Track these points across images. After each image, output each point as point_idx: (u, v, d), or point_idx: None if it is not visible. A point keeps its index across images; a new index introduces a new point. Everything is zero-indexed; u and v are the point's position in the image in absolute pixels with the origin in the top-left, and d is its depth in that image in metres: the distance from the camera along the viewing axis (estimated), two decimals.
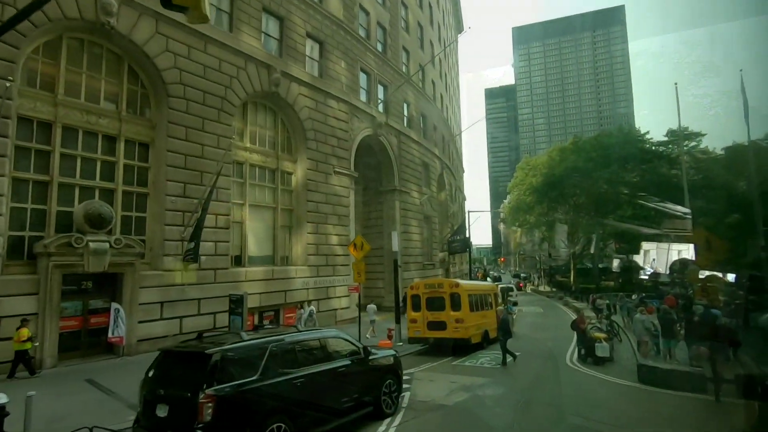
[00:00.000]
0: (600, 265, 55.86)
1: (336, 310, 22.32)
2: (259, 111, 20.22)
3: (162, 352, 5.85)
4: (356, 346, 7.48)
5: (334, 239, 22.68)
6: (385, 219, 29.59)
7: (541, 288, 58.50)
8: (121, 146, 14.60)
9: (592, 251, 50.16)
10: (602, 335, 12.52)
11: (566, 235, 49.75)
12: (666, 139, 41.42)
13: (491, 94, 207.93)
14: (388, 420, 7.48)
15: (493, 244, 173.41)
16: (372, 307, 19.31)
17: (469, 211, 37.31)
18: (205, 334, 6.31)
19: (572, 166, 45.06)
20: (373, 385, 7.53)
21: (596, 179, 41.04)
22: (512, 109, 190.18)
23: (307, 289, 20.57)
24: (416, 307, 14.84)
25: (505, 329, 12.68)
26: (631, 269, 43.65)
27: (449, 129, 45.00)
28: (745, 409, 8.32)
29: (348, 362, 7.20)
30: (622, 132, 43.06)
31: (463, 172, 66.55)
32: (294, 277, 20.01)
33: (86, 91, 13.98)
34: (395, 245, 17.10)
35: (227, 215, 17.11)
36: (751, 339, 12.79)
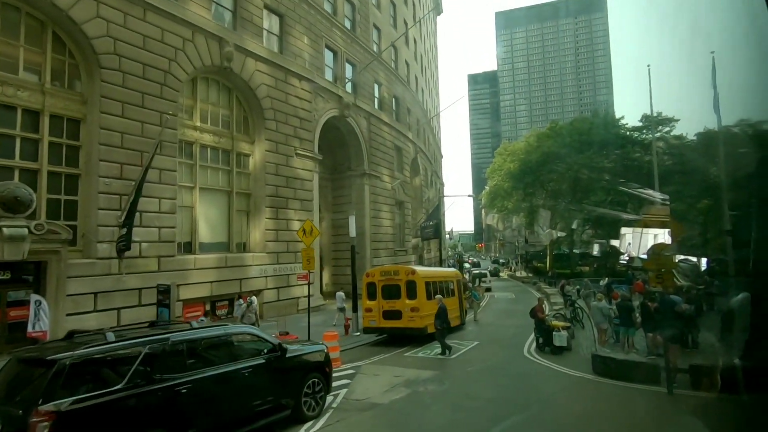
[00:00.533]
0: (577, 250, 56.34)
1: (298, 298, 21.43)
2: (212, 88, 18.89)
3: (13, 358, 4.88)
4: (270, 343, 6.63)
5: (296, 225, 21.59)
6: (354, 204, 28.63)
7: (518, 273, 58.70)
8: (45, 122, 13.21)
9: (572, 237, 50.36)
10: (561, 324, 11.99)
11: (548, 221, 49.75)
12: (641, 124, 41.35)
13: (475, 80, 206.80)
14: (309, 424, 6.71)
15: (475, 231, 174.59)
16: (341, 294, 18.48)
17: (441, 196, 36.57)
18: (77, 334, 5.35)
19: (548, 151, 44.80)
20: (293, 385, 6.73)
21: (571, 164, 40.82)
22: (495, 96, 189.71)
23: (266, 277, 19.62)
24: (372, 296, 14.09)
25: (442, 318, 12.07)
26: (609, 255, 43.88)
27: (425, 113, 44.01)
28: (697, 401, 7.83)
29: (259, 361, 6.37)
30: (598, 117, 42.73)
31: (442, 157, 65.85)
32: (251, 265, 19.01)
33: (1, 61, 12.53)
34: (352, 230, 16.23)
35: (173, 199, 15.93)
36: (717, 324, 12.47)
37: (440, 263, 27.99)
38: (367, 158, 28.68)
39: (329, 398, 8.04)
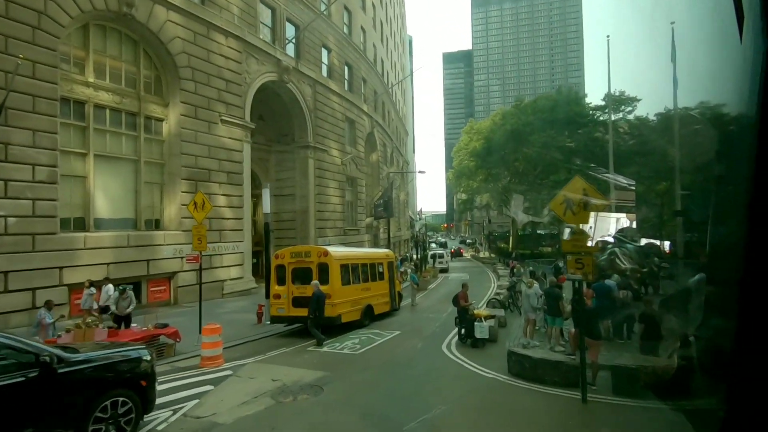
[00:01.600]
0: (542, 231, 56.16)
1: (224, 281, 19.49)
2: (111, 38, 16.19)
3: None
4: (34, 352, 4.74)
5: (221, 200, 19.51)
6: (297, 179, 26.54)
7: (481, 254, 58.28)
8: None
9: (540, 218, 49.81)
10: (484, 313, 10.57)
11: (521, 205, 48.85)
12: (603, 103, 40.49)
13: (449, 59, 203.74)
14: None
15: (446, 211, 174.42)
16: None
17: (390, 173, 34.81)
18: None
19: (512, 129, 43.63)
20: (74, 410, 4.90)
21: (533, 143, 39.77)
22: (470, 75, 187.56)
23: (182, 257, 17.48)
24: (281, 280, 12.29)
25: (313, 306, 10.56)
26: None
27: (385, 85, 41.71)
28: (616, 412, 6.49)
29: (16, 380, 4.49)
30: (561, 95, 41.54)
31: (407, 135, 63.94)
32: (162, 245, 16.83)
33: None
34: (267, 205, 14.22)
35: (52, 167, 13.48)
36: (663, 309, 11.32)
37: (388, 244, 26.42)
38: (311, 129, 26.45)
39: (166, 414, 6.30)
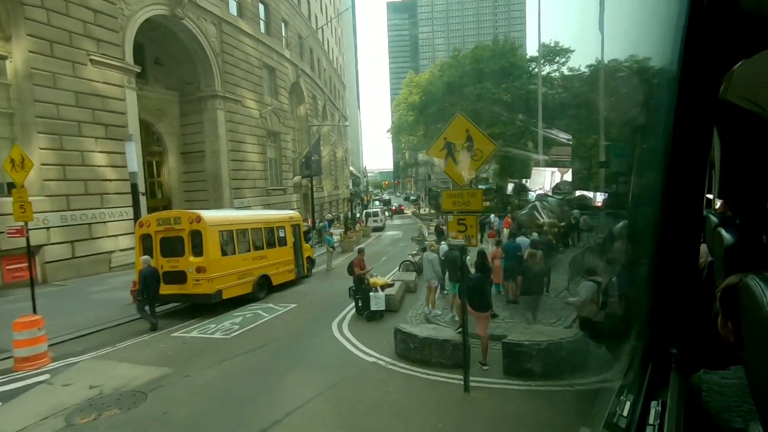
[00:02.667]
0: (483, 186, 56.32)
1: (110, 253, 16.87)
2: None
3: None
4: None
5: (100, 158, 16.50)
6: (206, 134, 23.51)
7: (422, 211, 57.98)
8: None
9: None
10: (381, 281, 9.27)
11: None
12: (538, 54, 39.67)
13: (394, 8, 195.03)
14: None
15: (394, 168, 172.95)
16: None
17: (312, 125, 32.33)
18: None
19: (449, 81, 42.06)
20: None
21: (468, 95, 38.54)
22: (415, 27, 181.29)
23: (47, 228, 14.65)
24: (147, 252, 10.18)
25: (142, 286, 8.89)
26: (519, 191, 43.63)
27: (313, 30, 38.01)
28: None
29: None
30: (498, 45, 40.15)
31: (344, 87, 60.56)
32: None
33: None
34: (132, 162, 11.70)
35: None
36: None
37: (312, 203, 24.51)
38: (219, 76, 23.20)
39: None
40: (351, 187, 67.44)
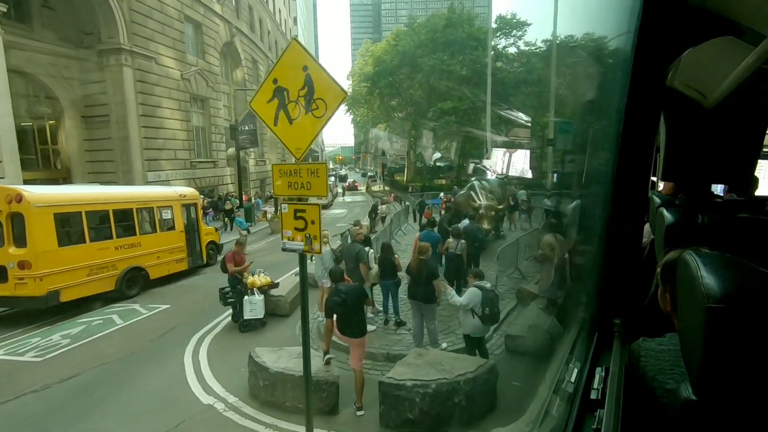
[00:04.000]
0: (441, 164, 54.73)
1: None
2: None
3: None
4: None
5: None
6: (111, 95, 20.15)
7: (376, 188, 56.07)
8: None
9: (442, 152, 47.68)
10: (260, 281, 7.30)
11: (431, 142, 45.70)
12: (495, 26, 37.94)
13: None
14: None
15: (354, 143, 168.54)
16: None
17: (244, 89, 29.26)
18: None
19: (403, 51, 39.62)
20: None
21: (422, 66, 36.42)
22: None
23: None
24: None
25: None
26: (477, 171, 42.21)
27: None
28: None
29: None
30: (454, 14, 37.95)
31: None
32: None
33: None
34: None
35: None
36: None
37: (239, 179, 21.89)
38: (125, 27, 19.73)
39: None
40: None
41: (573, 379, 1.36)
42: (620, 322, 1.56)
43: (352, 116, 56.74)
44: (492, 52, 38.07)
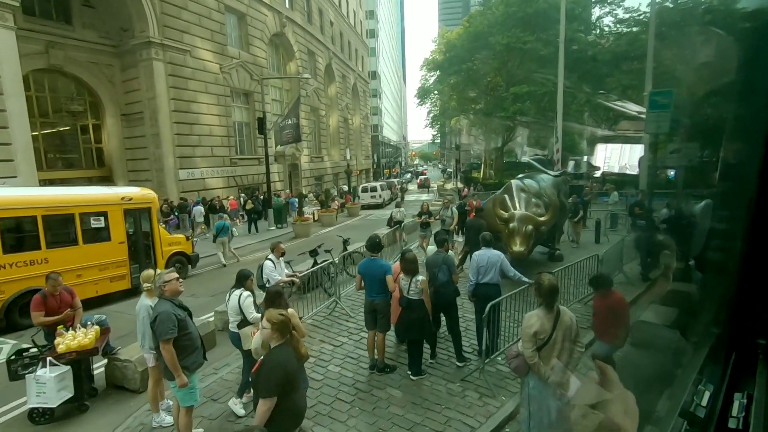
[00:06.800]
0: (526, 159, 48.92)
1: None
2: None
3: None
4: None
5: None
6: (143, 92, 19.69)
7: (449, 185, 52.04)
8: None
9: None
10: (80, 341, 4.68)
11: (523, 134, 41.14)
12: None
13: None
14: None
15: (440, 139, 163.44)
16: None
17: (300, 77, 27.43)
18: None
19: (475, 32, 35.27)
20: None
21: (494, 46, 31.74)
22: None
23: None
24: None
25: None
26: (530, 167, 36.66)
27: None
28: None
29: None
30: None
31: (366, 48, 54.77)
32: None
33: None
34: None
35: None
36: None
37: (267, 176, 20.11)
38: (155, 19, 19.04)
39: None
40: (373, 158, 62.53)
41: (705, 404, 1.27)
42: (766, 342, 1.36)
43: (428, 109, 53.37)
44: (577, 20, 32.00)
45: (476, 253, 5.53)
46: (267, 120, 26.40)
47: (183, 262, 10.78)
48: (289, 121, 23.60)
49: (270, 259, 5.96)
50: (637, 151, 27.09)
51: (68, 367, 4.42)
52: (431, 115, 53.58)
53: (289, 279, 6.08)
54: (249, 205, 20.00)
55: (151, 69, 19.22)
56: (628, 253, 9.25)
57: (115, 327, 7.54)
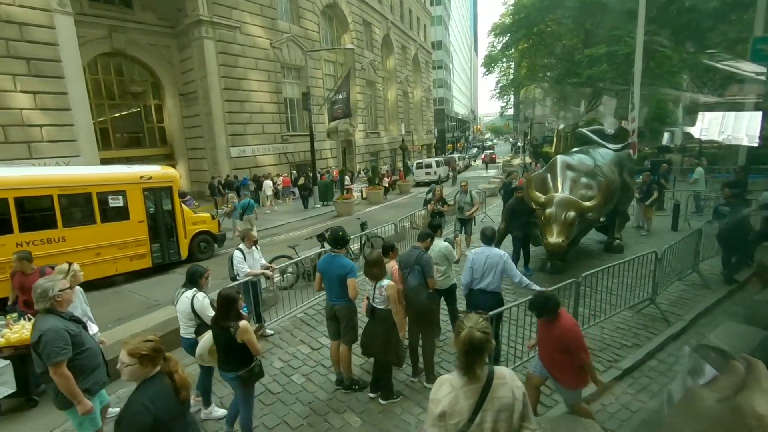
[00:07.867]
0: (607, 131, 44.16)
1: None
2: None
3: None
4: None
5: (24, 100, 14.14)
6: (195, 72, 20.13)
7: (516, 161, 48.59)
8: None
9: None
10: (19, 335, 4.40)
11: (613, 110, 37.04)
12: None
13: None
14: None
15: (514, 111, 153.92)
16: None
17: (352, 48, 26.34)
18: None
19: None
20: None
21: (567, 3, 28.08)
22: None
23: None
24: None
25: None
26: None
27: None
28: None
29: None
30: None
31: (429, 16, 52.01)
32: None
33: None
34: None
35: None
36: None
37: (312, 153, 19.70)
38: None
39: None
40: (434, 132, 60.18)
41: None
42: None
43: (497, 79, 49.79)
44: None
45: (473, 251, 4.39)
46: (318, 96, 26.02)
47: (209, 241, 10.72)
48: (340, 96, 22.93)
49: (240, 249, 5.32)
50: (743, 117, 22.52)
51: (8, 361, 4.18)
52: (500, 84, 49.85)
53: (260, 272, 5.42)
54: (300, 181, 19.89)
55: (202, 48, 19.50)
56: (707, 248, 7.35)
57: (117, 308, 7.56)
